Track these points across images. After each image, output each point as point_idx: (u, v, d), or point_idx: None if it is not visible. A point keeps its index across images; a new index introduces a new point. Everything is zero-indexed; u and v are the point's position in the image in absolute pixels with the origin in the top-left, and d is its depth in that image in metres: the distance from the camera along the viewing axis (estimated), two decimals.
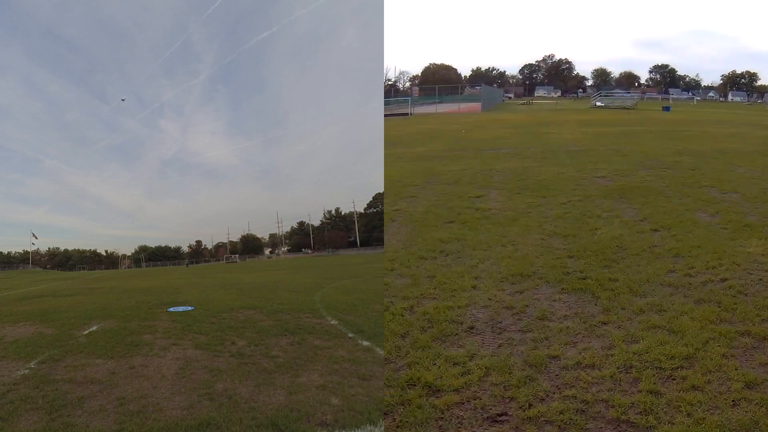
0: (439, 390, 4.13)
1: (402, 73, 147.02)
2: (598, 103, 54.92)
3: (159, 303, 13.31)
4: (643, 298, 4.29)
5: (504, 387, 4.08)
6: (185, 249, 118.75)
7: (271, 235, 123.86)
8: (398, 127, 28.01)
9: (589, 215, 6.23)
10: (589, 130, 18.84)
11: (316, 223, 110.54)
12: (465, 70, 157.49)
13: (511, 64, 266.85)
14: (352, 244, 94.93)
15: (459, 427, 3.75)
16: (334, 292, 14.56)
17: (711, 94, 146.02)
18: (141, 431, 4.32)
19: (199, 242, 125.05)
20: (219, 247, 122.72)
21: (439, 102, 60.29)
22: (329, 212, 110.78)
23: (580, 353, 4.30)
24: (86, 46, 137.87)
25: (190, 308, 11.78)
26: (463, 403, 3.98)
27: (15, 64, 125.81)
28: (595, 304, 4.28)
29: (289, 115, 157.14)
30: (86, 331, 8.93)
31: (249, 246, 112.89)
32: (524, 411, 3.82)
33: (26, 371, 6.22)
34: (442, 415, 3.90)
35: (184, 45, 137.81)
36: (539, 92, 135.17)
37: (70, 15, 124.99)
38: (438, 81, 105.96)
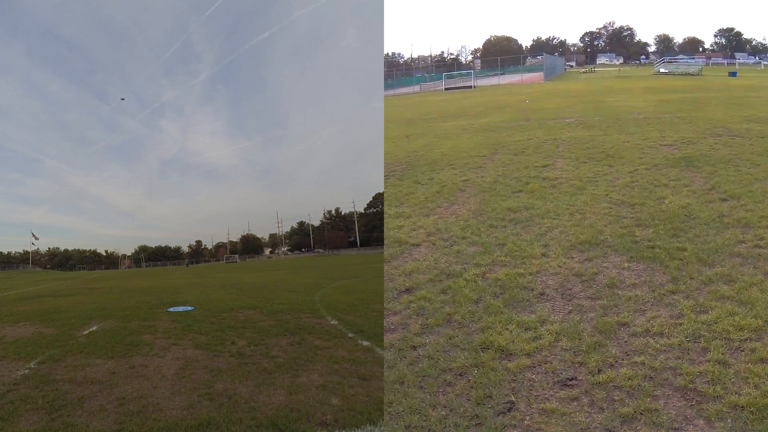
0: (511, 353, 4.17)
1: (463, 47, 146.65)
2: (662, 70, 53.29)
3: (159, 303, 13.31)
4: (712, 268, 4.26)
5: (574, 352, 4.10)
6: (185, 249, 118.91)
7: (271, 235, 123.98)
8: (462, 99, 28.10)
9: (656, 184, 6.21)
10: (654, 97, 18.56)
11: (316, 223, 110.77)
12: (526, 41, 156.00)
13: (571, 32, 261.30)
14: (352, 244, 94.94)
15: (530, 390, 3.80)
16: (334, 292, 14.56)
17: None
18: (141, 431, 4.32)
19: (199, 242, 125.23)
20: (219, 247, 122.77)
21: (502, 74, 60.25)
22: (329, 212, 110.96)
23: (649, 321, 4.30)
24: (86, 46, 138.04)
25: (190, 308, 11.78)
26: (534, 367, 4.02)
27: (15, 64, 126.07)
28: (664, 273, 4.27)
29: (289, 115, 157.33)
30: (86, 331, 8.93)
31: (249, 246, 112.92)
32: (593, 376, 3.85)
33: (26, 371, 6.22)
34: (515, 378, 3.94)
35: (185, 45, 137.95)
36: (601, 60, 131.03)
37: (70, 15, 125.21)
38: (499, 53, 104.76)
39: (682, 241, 4.66)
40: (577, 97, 20.36)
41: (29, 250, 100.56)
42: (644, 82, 32.61)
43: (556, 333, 4.28)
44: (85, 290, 21.37)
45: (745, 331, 4.16)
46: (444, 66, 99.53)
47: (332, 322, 9.06)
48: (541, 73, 48.00)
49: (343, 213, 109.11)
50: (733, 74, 45.72)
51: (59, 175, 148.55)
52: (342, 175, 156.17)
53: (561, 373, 3.92)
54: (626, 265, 4.38)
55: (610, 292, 4.39)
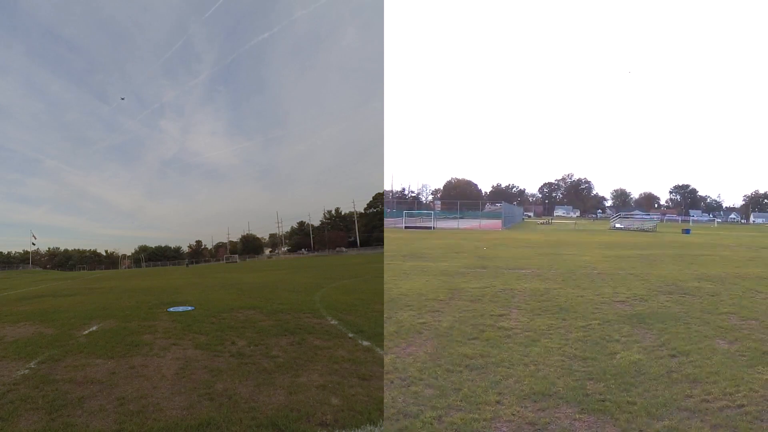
0: None
1: (424, 186, 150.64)
2: (618, 225, 54.88)
3: (159, 303, 13.31)
4: (661, 421, 4.35)
5: None
6: (185, 249, 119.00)
7: (271, 235, 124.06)
8: (422, 240, 29.04)
9: (608, 339, 6.45)
10: (609, 252, 19.20)
11: (316, 223, 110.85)
12: (485, 186, 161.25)
13: (530, 182, 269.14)
14: (352, 244, 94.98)
15: None
16: (334, 292, 14.57)
17: (732, 215, 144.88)
18: (141, 431, 4.32)
19: (199, 242, 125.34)
20: (219, 247, 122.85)
21: (461, 217, 61.62)
22: (329, 212, 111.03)
23: None
24: (86, 46, 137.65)
25: (190, 308, 11.78)
26: None
27: (15, 64, 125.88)
28: (614, 425, 4.35)
29: (289, 115, 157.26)
30: (86, 331, 8.93)
31: (249, 246, 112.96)
32: None
33: (26, 371, 6.22)
34: None
35: (185, 45, 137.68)
36: (558, 212, 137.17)
37: (71, 15, 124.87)
38: (459, 195, 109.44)
39: (632, 395, 4.80)
40: (535, 248, 20.87)
41: (29, 250, 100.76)
42: (600, 236, 33.31)
43: None
44: (85, 290, 21.37)
45: None
46: (405, 203, 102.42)
47: (332, 322, 9.06)
48: (500, 220, 48.61)
49: (343, 213, 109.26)
50: (686, 231, 46.97)
51: (59, 175, 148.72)
52: (342, 175, 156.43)
53: None
54: (578, 416, 4.45)
55: None
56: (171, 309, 11.74)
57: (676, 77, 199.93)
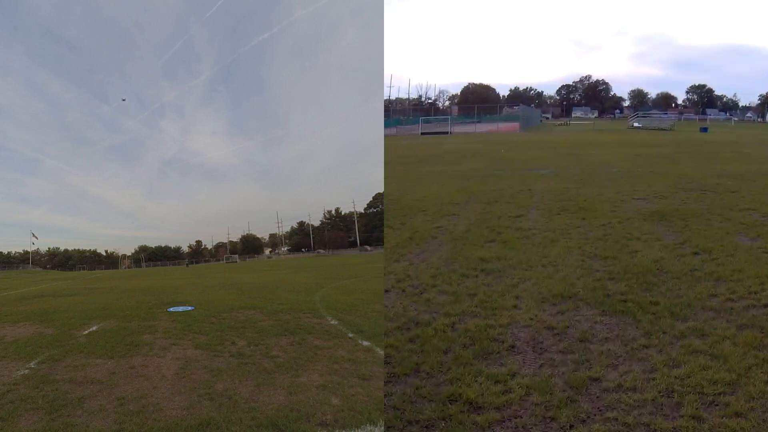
0: (480, 407, 4.10)
1: (441, 92, 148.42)
2: (635, 124, 54.31)
3: (159, 303, 13.31)
4: (685, 322, 4.24)
5: (545, 407, 4.04)
6: (185, 249, 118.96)
7: (271, 235, 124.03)
8: (439, 145, 28.18)
9: (628, 237, 6.23)
10: (627, 151, 18.76)
11: (316, 223, 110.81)
12: (503, 90, 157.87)
13: (548, 82, 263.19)
14: (352, 244, 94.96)
15: None
16: (334, 292, 14.56)
17: (749, 114, 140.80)
18: (141, 431, 4.32)
19: (199, 242, 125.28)
20: (219, 247, 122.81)
21: (478, 122, 60.64)
22: (329, 212, 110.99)
23: (622, 376, 4.28)
24: (87, 46, 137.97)
25: (190, 308, 11.78)
26: (503, 421, 3.94)
27: (16, 64, 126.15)
28: (636, 327, 4.24)
29: (290, 115, 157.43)
30: (86, 331, 8.93)
31: (249, 246, 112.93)
32: None
33: (26, 371, 6.22)
34: None
35: (185, 46, 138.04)
36: (576, 113, 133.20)
37: (71, 16, 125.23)
38: (477, 100, 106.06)
39: (654, 295, 4.66)
40: (552, 148, 20.51)
41: (29, 250, 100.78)
42: (618, 135, 32.83)
43: (527, 387, 4.21)
44: (85, 290, 21.37)
45: (719, 385, 4.13)
46: (421, 110, 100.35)
47: (332, 322, 9.06)
48: (518, 123, 48.29)
49: (343, 213, 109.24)
50: (704, 130, 46.29)
51: (59, 175, 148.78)
52: (342, 175, 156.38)
53: (531, 428, 3.85)
54: (598, 318, 4.35)
55: (582, 346, 4.37)
56: (171, 309, 11.74)
57: None
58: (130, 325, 9.56)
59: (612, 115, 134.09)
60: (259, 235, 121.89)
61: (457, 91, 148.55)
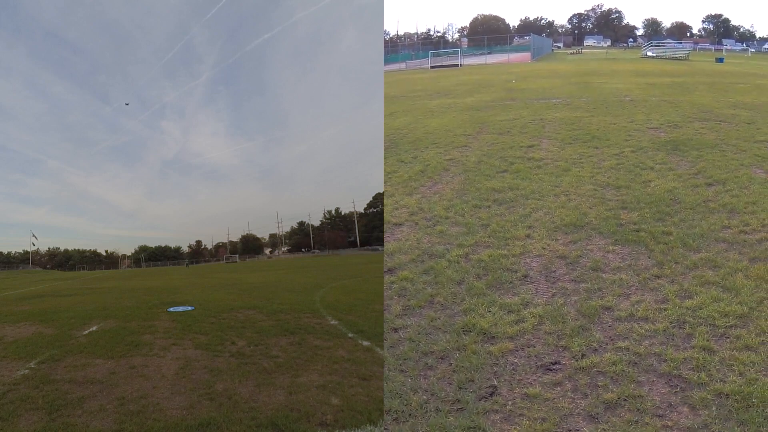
0: (493, 337, 4.12)
1: (450, 24, 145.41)
2: (649, 53, 52.84)
3: (159, 303, 13.31)
4: (697, 253, 4.23)
5: (557, 336, 4.05)
6: (185, 249, 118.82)
7: (271, 235, 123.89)
8: (448, 78, 27.65)
9: (642, 167, 6.14)
10: (641, 80, 18.35)
11: (316, 223, 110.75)
12: (513, 21, 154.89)
13: (559, 13, 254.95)
14: (352, 244, 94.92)
15: (513, 374, 3.75)
16: (334, 292, 14.56)
17: (766, 46, 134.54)
18: (141, 431, 4.32)
19: (199, 242, 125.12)
20: (219, 247, 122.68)
21: (489, 53, 59.93)
22: (329, 212, 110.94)
23: (633, 306, 4.25)
24: (89, 48, 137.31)
25: (190, 308, 11.77)
26: (517, 351, 3.97)
27: (18, 65, 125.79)
28: (649, 257, 4.24)
29: (290, 116, 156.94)
30: (86, 331, 8.93)
31: (249, 246, 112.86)
32: (577, 361, 3.81)
33: (26, 371, 6.22)
34: (497, 362, 3.89)
35: (186, 47, 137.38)
36: (588, 42, 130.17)
37: (74, 17, 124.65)
38: (487, 32, 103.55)
39: (667, 225, 4.63)
40: (564, 78, 20.16)
41: (29, 250, 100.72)
42: (631, 64, 32.30)
43: (540, 316, 4.22)
44: (85, 290, 21.36)
45: (730, 317, 4.13)
46: (430, 44, 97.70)
47: (332, 322, 9.05)
48: (528, 53, 47.56)
49: (343, 213, 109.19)
50: (720, 60, 45.01)
51: (61, 176, 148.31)
52: (342, 175, 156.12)
53: (544, 357, 3.89)
54: (611, 248, 4.35)
55: (595, 275, 4.37)
56: (171, 309, 11.74)
57: None
58: (130, 325, 9.56)
59: (625, 45, 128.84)
60: (259, 235, 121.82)
61: (466, 23, 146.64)
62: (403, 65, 60.67)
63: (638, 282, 4.34)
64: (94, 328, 9.35)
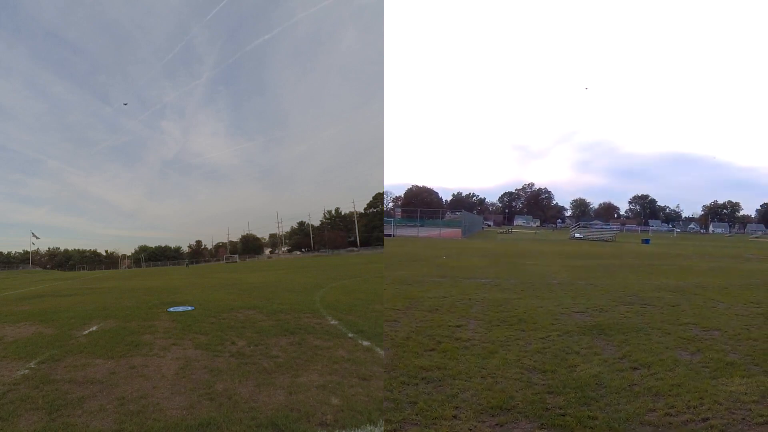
0: None
1: (387, 192, 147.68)
2: (577, 235, 54.38)
3: (159, 303, 13.31)
4: None
5: None
6: (185, 249, 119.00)
7: (271, 235, 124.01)
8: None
9: (568, 351, 6.26)
10: (568, 262, 18.83)
11: (316, 223, 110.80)
12: (446, 194, 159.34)
13: (491, 188, 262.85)
14: (352, 244, 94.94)
15: None
16: (334, 292, 14.56)
17: (692, 225, 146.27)
18: (141, 431, 4.32)
19: (199, 242, 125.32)
20: (219, 247, 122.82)
21: (421, 225, 61.62)
22: (329, 212, 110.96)
23: None
24: (89, 48, 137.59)
25: (190, 308, 11.78)
26: None
27: (19, 65, 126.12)
28: None
29: (290, 116, 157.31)
30: (86, 331, 8.93)
31: (249, 246, 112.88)
32: None
33: (26, 371, 6.22)
34: None
35: (187, 47, 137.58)
36: (518, 221, 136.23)
37: (74, 17, 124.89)
38: (420, 204, 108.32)
39: (593, 409, 4.66)
40: (494, 257, 20.56)
41: (29, 250, 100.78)
42: (560, 246, 32.71)
43: None
44: (85, 290, 21.36)
45: None
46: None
47: (332, 322, 9.06)
48: (460, 229, 47.92)
49: (343, 213, 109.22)
50: (646, 241, 46.45)
51: (61, 176, 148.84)
52: (342, 175, 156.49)
53: None
54: (537, 431, 4.36)
55: None
56: (171, 309, 11.74)
57: (633, 87, 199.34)
58: (130, 325, 9.56)
59: (554, 225, 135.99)
60: (259, 235, 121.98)
61: (401, 193, 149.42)
62: None
63: None
64: (94, 328, 9.35)
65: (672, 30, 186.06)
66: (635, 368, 5.67)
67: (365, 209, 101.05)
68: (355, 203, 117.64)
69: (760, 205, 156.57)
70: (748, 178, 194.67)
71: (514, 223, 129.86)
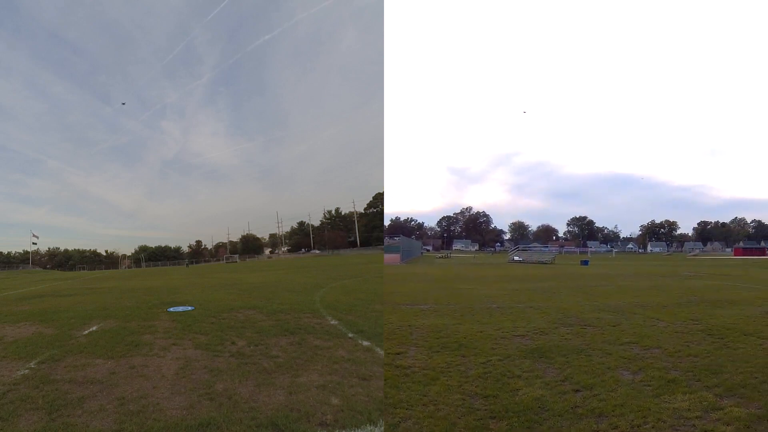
0: None
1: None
2: (516, 258, 54.01)
3: (159, 303, 13.32)
4: None
5: None
6: (185, 249, 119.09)
7: (271, 235, 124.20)
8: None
9: (509, 375, 6.19)
10: (507, 285, 18.77)
11: (316, 223, 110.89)
12: (384, 219, 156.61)
13: (429, 213, 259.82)
14: (352, 244, 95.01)
15: None
16: (334, 292, 14.57)
17: (630, 245, 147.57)
18: (141, 431, 4.32)
19: (199, 242, 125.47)
20: (219, 247, 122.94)
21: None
22: (329, 212, 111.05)
23: None
24: (89, 48, 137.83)
25: (190, 308, 11.78)
26: None
27: (19, 66, 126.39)
28: None
29: (290, 116, 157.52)
30: (86, 331, 8.93)
31: (249, 246, 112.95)
32: None
33: (26, 371, 6.22)
34: None
35: (187, 47, 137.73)
36: (457, 245, 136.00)
37: (74, 17, 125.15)
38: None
39: None
40: (433, 282, 20.47)
41: (29, 250, 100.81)
42: (498, 270, 32.50)
43: None
44: (85, 290, 21.36)
45: None
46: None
47: (332, 322, 9.06)
48: (398, 254, 47.49)
49: (343, 213, 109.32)
50: (585, 263, 46.33)
51: (61, 176, 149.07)
52: (342, 175, 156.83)
53: None
54: None
55: None
56: (171, 309, 11.75)
57: (570, 109, 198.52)
58: (130, 325, 9.56)
59: (493, 249, 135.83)
60: (259, 235, 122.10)
61: None
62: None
63: None
64: (94, 328, 9.35)
65: (605, 54, 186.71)
66: (577, 390, 5.60)
67: (365, 209, 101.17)
68: (355, 203, 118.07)
69: (697, 224, 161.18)
70: (684, 197, 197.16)
71: (453, 248, 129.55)
